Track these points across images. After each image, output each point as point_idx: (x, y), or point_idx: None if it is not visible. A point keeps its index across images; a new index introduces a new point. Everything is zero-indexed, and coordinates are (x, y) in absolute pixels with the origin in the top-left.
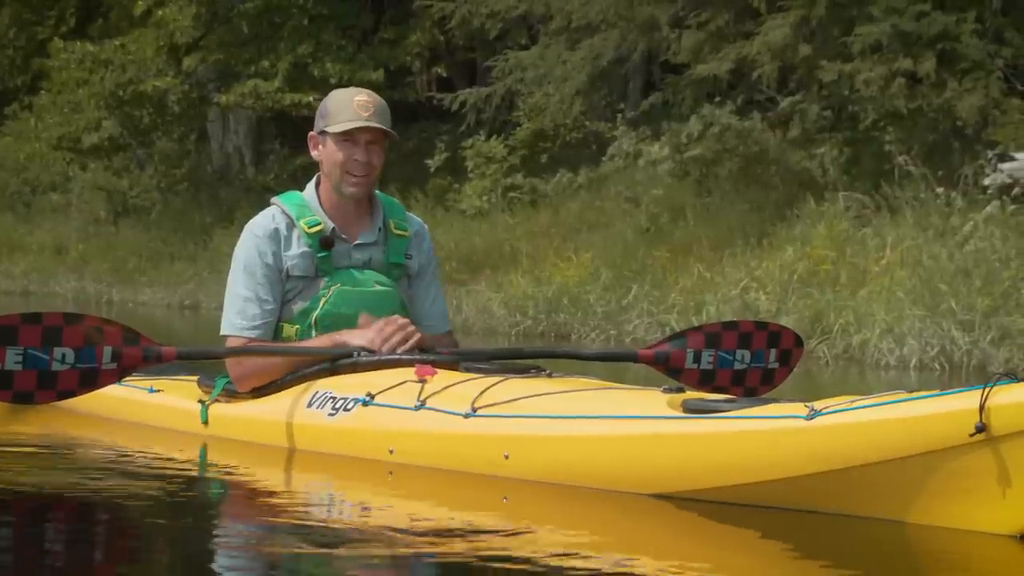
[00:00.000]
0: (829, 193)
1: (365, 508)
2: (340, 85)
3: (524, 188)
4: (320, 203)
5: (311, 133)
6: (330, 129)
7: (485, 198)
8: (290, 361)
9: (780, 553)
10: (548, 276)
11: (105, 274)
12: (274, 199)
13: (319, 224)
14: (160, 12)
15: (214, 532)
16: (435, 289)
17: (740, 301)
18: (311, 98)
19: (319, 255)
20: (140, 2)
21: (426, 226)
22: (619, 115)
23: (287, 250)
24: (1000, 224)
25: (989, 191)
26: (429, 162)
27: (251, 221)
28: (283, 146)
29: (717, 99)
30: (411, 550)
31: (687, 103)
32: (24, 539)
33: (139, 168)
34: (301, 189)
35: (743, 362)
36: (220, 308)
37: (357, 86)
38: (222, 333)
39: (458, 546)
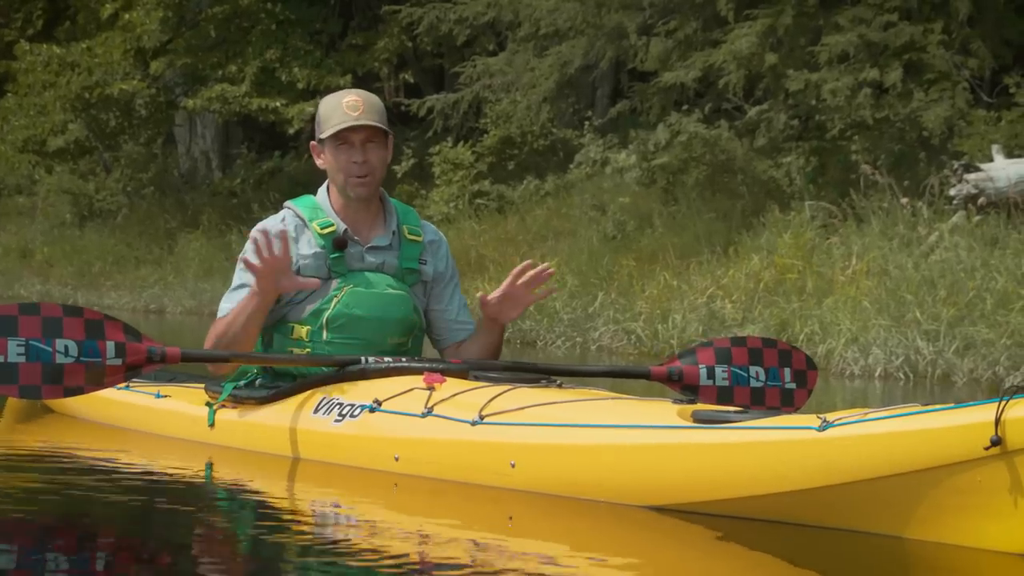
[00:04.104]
0: (795, 202)
1: (369, 523)
2: (308, 90)
3: (491, 195)
4: (332, 207)
5: (312, 143)
6: (323, 135)
7: (452, 204)
8: (231, 321)
9: (787, 570)
10: None
11: (70, 277)
12: (287, 203)
13: (332, 225)
14: (127, 15)
15: (216, 543)
16: (459, 296)
17: (706, 309)
18: (278, 103)
19: (332, 256)
20: (107, 5)
21: (443, 235)
22: (586, 123)
23: (299, 251)
24: (965, 234)
25: (955, 201)
26: (396, 168)
27: (260, 223)
28: (250, 151)
29: (684, 107)
30: (413, 566)
31: (654, 111)
32: (30, 548)
33: (105, 171)
34: (267, 194)
35: (759, 380)
36: (185, 313)
37: (325, 91)
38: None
39: (461, 565)
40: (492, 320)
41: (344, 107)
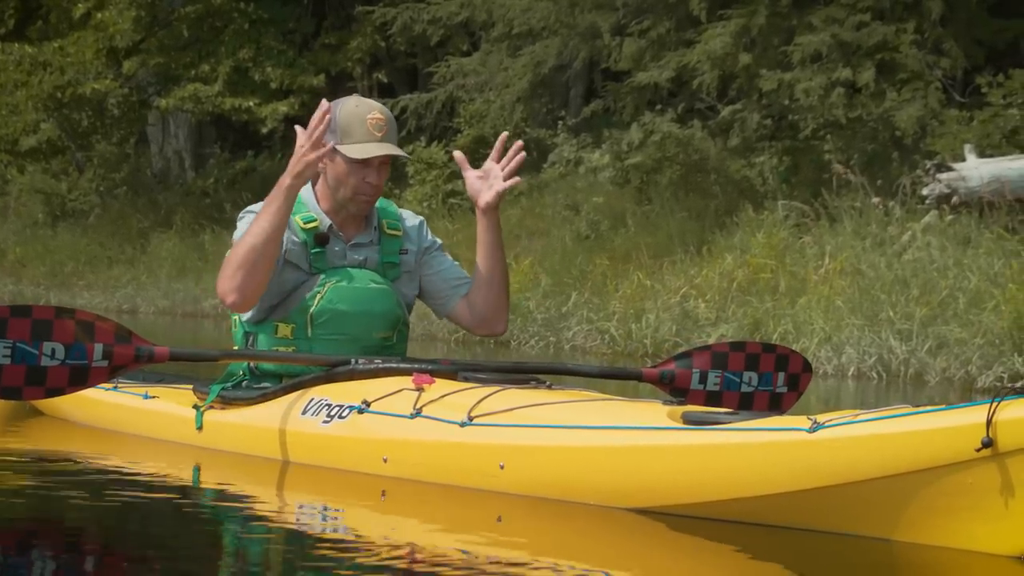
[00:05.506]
0: (768, 202)
1: (357, 525)
2: (281, 90)
3: (465, 194)
4: (318, 204)
5: None
6: (344, 150)
7: (425, 204)
8: (261, 223)
9: (777, 573)
10: None
11: (42, 277)
12: None
13: (315, 220)
14: (100, 15)
15: (204, 546)
16: (448, 259)
17: (680, 309)
18: (251, 103)
19: (313, 251)
20: (79, 4)
21: (422, 218)
22: (560, 122)
23: (286, 233)
24: (938, 234)
25: (927, 201)
26: None
27: (248, 207)
28: (223, 150)
29: (658, 107)
30: (401, 569)
31: (628, 111)
32: (13, 551)
33: (78, 171)
34: (240, 193)
35: (750, 385)
36: (157, 313)
37: (298, 91)
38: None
39: (450, 567)
40: (479, 211)
41: (369, 125)
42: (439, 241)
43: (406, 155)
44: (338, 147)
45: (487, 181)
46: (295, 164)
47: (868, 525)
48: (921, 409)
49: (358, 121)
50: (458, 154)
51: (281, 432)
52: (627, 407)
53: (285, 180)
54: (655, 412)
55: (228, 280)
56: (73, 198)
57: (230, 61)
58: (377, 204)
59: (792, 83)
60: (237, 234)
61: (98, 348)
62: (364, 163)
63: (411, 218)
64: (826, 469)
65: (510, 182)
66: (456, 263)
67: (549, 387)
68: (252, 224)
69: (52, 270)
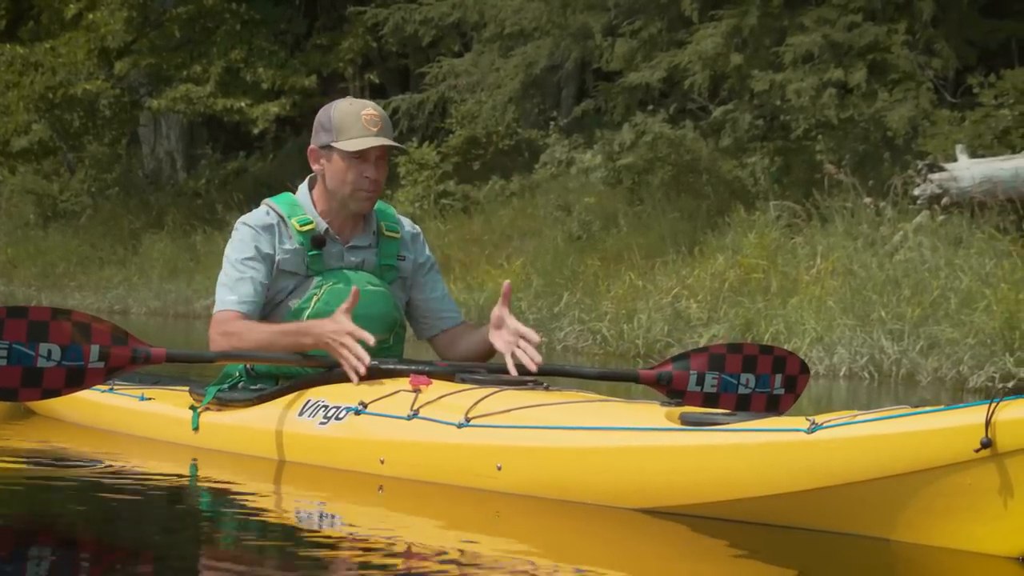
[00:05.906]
0: (760, 202)
1: (354, 526)
2: (272, 91)
3: (456, 195)
4: (315, 206)
5: (312, 147)
6: (340, 146)
7: (417, 205)
8: (268, 342)
9: (775, 573)
10: (480, 283)
11: (34, 278)
12: (265, 200)
13: (311, 223)
14: (91, 15)
15: (201, 547)
16: (441, 284)
17: (671, 310)
18: (243, 103)
19: (310, 254)
20: (71, 5)
21: (419, 228)
22: (552, 123)
23: (281, 244)
24: (929, 234)
25: (919, 201)
26: None
27: (242, 217)
28: (215, 151)
29: (649, 107)
30: (398, 570)
31: (619, 111)
32: (9, 552)
33: (69, 172)
34: (232, 194)
35: (747, 387)
36: (149, 314)
37: (289, 92)
38: (214, 312)
39: (446, 568)
40: (493, 341)
41: (364, 121)
42: (433, 259)
43: (402, 147)
44: (334, 144)
45: (508, 334)
46: (330, 337)
47: (867, 526)
48: (920, 410)
49: (353, 118)
50: (506, 287)
51: (278, 433)
52: (624, 408)
53: (307, 340)
54: (653, 413)
55: (223, 348)
56: (64, 199)
57: (222, 62)
58: (375, 207)
59: (784, 83)
60: (230, 251)
61: (94, 349)
62: (361, 157)
63: (409, 226)
64: (824, 470)
65: (530, 367)
66: (447, 292)
67: (546, 388)
68: (264, 338)
69: (43, 271)
